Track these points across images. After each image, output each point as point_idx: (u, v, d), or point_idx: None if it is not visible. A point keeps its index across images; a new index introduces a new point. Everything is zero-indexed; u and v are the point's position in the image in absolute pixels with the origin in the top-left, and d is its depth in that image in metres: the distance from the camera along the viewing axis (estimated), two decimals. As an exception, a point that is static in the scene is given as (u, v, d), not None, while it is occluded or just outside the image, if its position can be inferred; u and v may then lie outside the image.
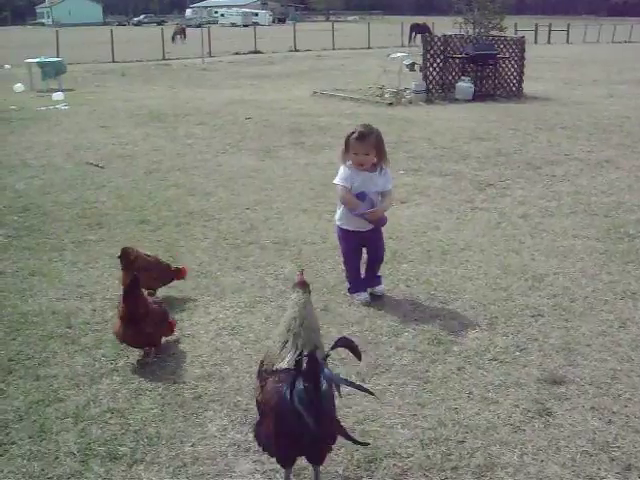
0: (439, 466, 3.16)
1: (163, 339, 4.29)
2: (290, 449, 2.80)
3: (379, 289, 5.09)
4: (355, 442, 2.86)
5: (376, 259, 5.11)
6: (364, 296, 4.99)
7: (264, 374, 2.87)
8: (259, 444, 2.92)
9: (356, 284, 5.07)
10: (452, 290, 5.17)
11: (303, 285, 3.05)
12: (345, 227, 4.96)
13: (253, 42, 37.15)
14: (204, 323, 4.66)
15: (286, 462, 2.93)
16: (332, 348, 2.78)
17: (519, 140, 11.09)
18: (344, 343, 2.79)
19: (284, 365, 2.78)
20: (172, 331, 4.37)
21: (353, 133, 4.67)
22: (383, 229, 5.10)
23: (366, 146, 4.66)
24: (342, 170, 4.82)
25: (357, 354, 2.83)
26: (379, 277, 5.16)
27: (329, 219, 6.92)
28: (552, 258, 5.85)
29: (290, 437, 2.69)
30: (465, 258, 5.85)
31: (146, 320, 4.05)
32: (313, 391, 2.58)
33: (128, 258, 4.75)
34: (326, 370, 2.65)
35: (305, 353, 2.69)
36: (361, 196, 4.77)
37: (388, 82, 16.69)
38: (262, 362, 2.97)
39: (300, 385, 2.60)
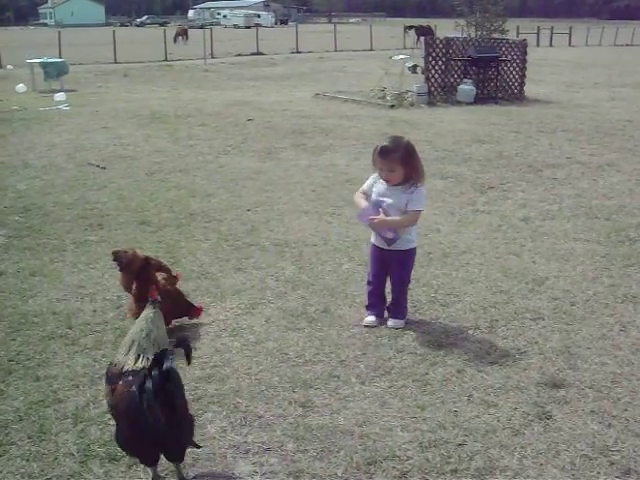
0: (438, 469, 3.16)
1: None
2: (148, 448, 2.91)
3: (391, 322, 4.64)
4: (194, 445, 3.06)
5: (393, 285, 4.72)
6: (367, 319, 4.66)
7: (113, 378, 2.95)
8: (122, 448, 3.02)
9: (368, 302, 4.77)
10: (453, 293, 5.17)
11: (154, 302, 3.15)
12: (372, 240, 4.69)
13: (255, 44, 37.16)
14: (204, 324, 4.66)
15: (149, 461, 3.02)
16: (175, 346, 2.92)
17: (521, 143, 11.09)
18: (181, 344, 2.94)
19: (130, 367, 2.89)
20: (199, 314, 4.63)
21: (377, 147, 4.39)
22: (412, 260, 4.67)
23: (389, 162, 4.31)
24: (369, 178, 4.61)
25: (188, 359, 2.95)
26: (396, 310, 4.69)
27: (330, 221, 6.93)
28: (553, 261, 5.84)
29: (145, 435, 2.80)
30: (466, 261, 5.85)
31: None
32: (160, 390, 2.73)
33: (121, 261, 4.61)
34: (170, 365, 2.77)
35: (154, 354, 2.84)
36: (375, 204, 4.47)
37: (390, 84, 16.69)
38: (109, 368, 3.04)
39: (149, 385, 2.72)
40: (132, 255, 4.56)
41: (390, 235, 4.46)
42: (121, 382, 2.88)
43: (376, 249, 4.64)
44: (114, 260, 4.60)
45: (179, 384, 2.85)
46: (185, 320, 4.69)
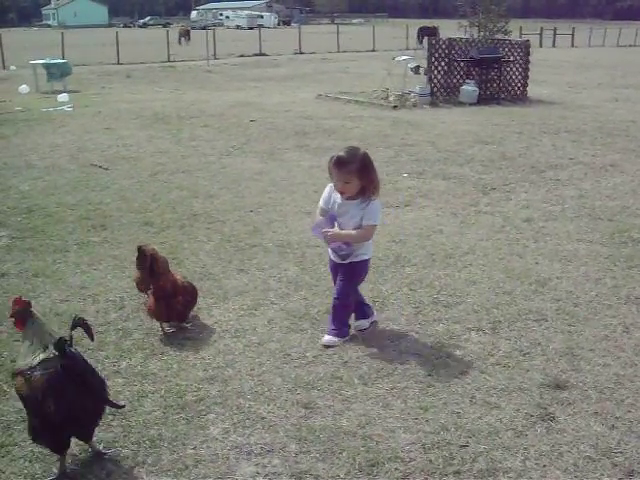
0: (441, 470, 3.16)
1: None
2: (62, 432, 3.06)
3: (322, 340, 4.38)
4: (113, 405, 3.26)
5: (334, 293, 4.50)
6: (325, 339, 4.39)
7: (24, 372, 3.08)
8: (35, 440, 3.13)
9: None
10: (455, 294, 5.17)
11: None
12: (329, 254, 4.54)
13: (258, 44, 37.20)
14: (207, 325, 4.67)
15: (61, 448, 3.12)
16: (71, 329, 3.08)
17: (523, 144, 11.08)
18: (79, 323, 3.11)
19: (36, 361, 3.06)
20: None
21: (333, 157, 4.20)
22: (361, 272, 4.49)
23: (345, 174, 4.13)
24: (326, 190, 4.42)
25: (90, 335, 3.16)
26: (330, 321, 4.48)
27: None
28: (556, 262, 5.84)
29: (57, 419, 2.97)
30: (469, 262, 5.84)
31: (177, 297, 4.46)
32: (70, 373, 2.99)
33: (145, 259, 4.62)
34: (74, 353, 3.04)
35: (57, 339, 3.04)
36: (330, 217, 4.31)
37: (393, 85, 16.69)
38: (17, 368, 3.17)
39: (57, 369, 2.98)
40: (152, 251, 4.58)
41: (344, 250, 4.29)
42: (34, 373, 3.04)
43: (333, 263, 4.51)
44: (139, 257, 4.58)
45: (85, 363, 3.12)
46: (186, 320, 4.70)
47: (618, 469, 3.17)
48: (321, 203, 4.41)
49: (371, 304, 4.76)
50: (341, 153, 4.18)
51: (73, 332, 3.09)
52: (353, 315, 4.58)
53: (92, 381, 3.12)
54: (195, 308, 4.83)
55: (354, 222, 4.23)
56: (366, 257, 4.43)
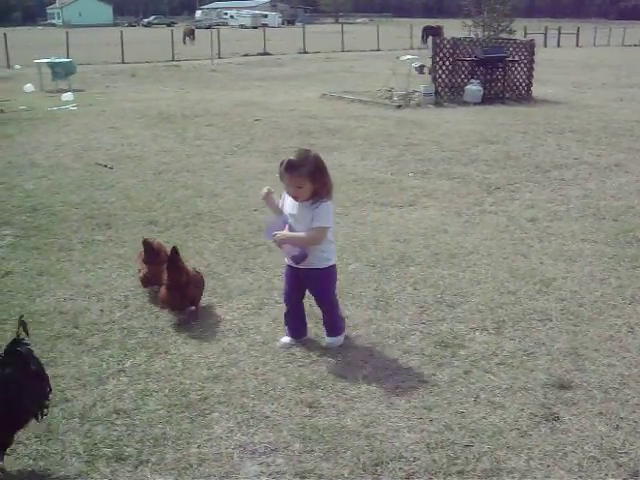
0: (445, 470, 3.15)
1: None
2: (13, 428, 3.13)
3: (326, 340, 4.41)
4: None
5: (318, 306, 4.46)
6: (282, 339, 4.41)
7: None
8: None
9: (284, 322, 4.51)
10: (460, 293, 5.16)
11: None
12: (285, 259, 4.37)
13: (262, 44, 37.21)
14: (211, 324, 4.67)
15: (6, 446, 3.16)
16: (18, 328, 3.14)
17: (528, 143, 11.07)
18: (20, 322, 3.18)
19: None
20: None
21: (284, 161, 4.02)
22: (331, 278, 4.34)
23: (297, 178, 3.96)
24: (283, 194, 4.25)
25: (25, 330, 3.16)
26: (329, 328, 4.42)
27: (337, 221, 6.88)
28: (560, 262, 5.83)
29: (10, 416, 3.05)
30: (473, 261, 5.83)
31: (189, 286, 4.66)
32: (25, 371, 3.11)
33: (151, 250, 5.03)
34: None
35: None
36: (282, 220, 4.17)
37: (397, 85, 16.68)
38: None
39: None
40: (158, 245, 4.99)
41: (295, 252, 4.11)
42: None
43: (289, 268, 4.33)
44: (145, 250, 5.00)
45: (37, 360, 3.23)
46: (190, 319, 4.70)
47: (623, 469, 3.16)
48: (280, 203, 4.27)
49: (307, 324, 4.52)
50: (292, 157, 4.00)
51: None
52: (286, 328, 4.45)
53: (45, 376, 3.27)
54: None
55: (305, 224, 4.06)
56: (331, 262, 4.26)
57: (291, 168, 3.96)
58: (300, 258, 4.12)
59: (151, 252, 5.01)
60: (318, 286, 4.33)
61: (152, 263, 4.96)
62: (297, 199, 4.07)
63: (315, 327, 4.59)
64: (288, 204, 4.15)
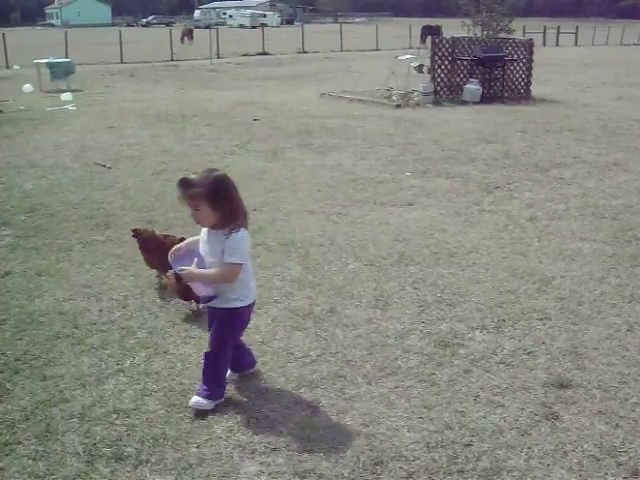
0: (445, 469, 3.15)
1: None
2: None
3: (191, 400, 3.68)
4: None
5: (205, 351, 3.77)
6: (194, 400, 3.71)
7: None
8: None
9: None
10: (459, 292, 5.16)
11: None
12: None
13: (261, 43, 37.20)
14: (210, 324, 4.66)
15: None
16: None
17: (527, 142, 11.07)
18: None
19: None
20: None
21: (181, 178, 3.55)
22: (232, 323, 3.70)
23: (192, 199, 3.46)
24: None
25: None
26: (203, 381, 3.73)
27: (336, 221, 6.93)
28: (559, 261, 5.83)
29: None
30: (472, 260, 5.83)
31: None
32: None
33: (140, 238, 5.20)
34: None
35: None
36: (193, 252, 3.68)
37: (396, 84, 16.68)
38: None
39: None
40: (150, 234, 5.13)
41: (203, 291, 3.60)
42: None
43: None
44: (134, 236, 5.23)
45: None
46: (190, 319, 4.70)
47: (622, 468, 3.16)
48: (190, 239, 3.82)
49: (252, 353, 4.09)
50: (191, 174, 3.54)
51: None
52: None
53: None
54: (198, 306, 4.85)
55: (216, 258, 3.52)
56: (241, 304, 3.62)
57: (184, 186, 3.47)
58: (208, 299, 3.61)
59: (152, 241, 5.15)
60: (216, 326, 3.69)
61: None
62: (200, 224, 3.61)
63: (315, 327, 4.59)
64: (203, 231, 3.66)
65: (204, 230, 3.62)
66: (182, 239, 4.33)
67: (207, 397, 3.65)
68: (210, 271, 3.53)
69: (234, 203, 3.52)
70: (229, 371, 3.87)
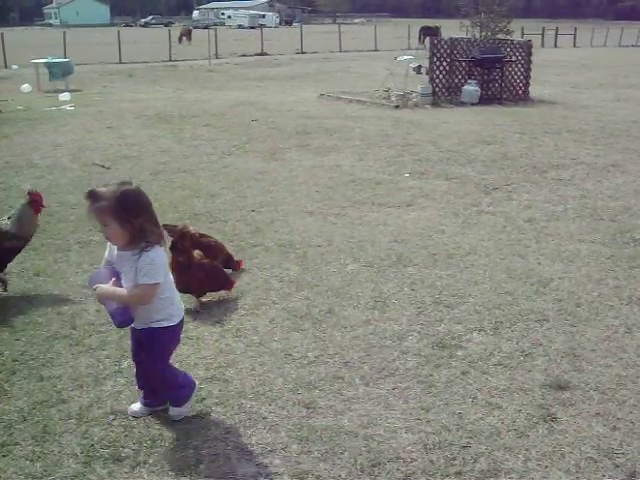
0: (443, 471, 3.15)
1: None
2: None
3: (169, 413, 3.60)
4: None
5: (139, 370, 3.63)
6: (131, 407, 3.65)
7: None
8: None
9: (138, 386, 3.72)
10: (457, 294, 5.16)
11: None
12: None
13: (260, 44, 37.20)
14: (208, 325, 4.66)
15: None
16: None
17: (525, 144, 11.07)
18: None
19: None
20: (229, 288, 5.09)
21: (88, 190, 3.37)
22: (161, 342, 3.46)
23: (98, 213, 3.27)
24: None
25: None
26: (161, 397, 3.62)
27: (334, 221, 6.93)
28: (558, 262, 5.83)
29: None
30: (470, 262, 5.83)
31: (191, 271, 4.78)
32: None
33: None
34: None
35: None
36: (112, 270, 3.38)
37: (394, 85, 16.68)
38: None
39: None
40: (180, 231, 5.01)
41: (116, 313, 3.30)
42: None
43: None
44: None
45: None
46: (187, 319, 4.70)
47: (620, 470, 3.16)
48: (106, 252, 3.51)
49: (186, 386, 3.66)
50: (100, 187, 3.35)
51: None
52: (142, 394, 3.67)
53: None
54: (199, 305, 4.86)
55: (130, 278, 3.28)
56: (167, 323, 3.42)
57: (90, 198, 3.30)
58: (125, 322, 3.35)
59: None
60: (143, 349, 3.49)
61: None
62: (109, 240, 3.37)
63: (313, 328, 4.59)
64: (112, 249, 3.43)
65: (116, 252, 3.36)
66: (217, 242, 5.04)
67: (180, 404, 3.58)
68: (124, 291, 3.27)
69: (145, 220, 3.27)
70: (138, 404, 3.61)
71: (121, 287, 3.29)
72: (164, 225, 5.05)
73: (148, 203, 3.35)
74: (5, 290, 5.13)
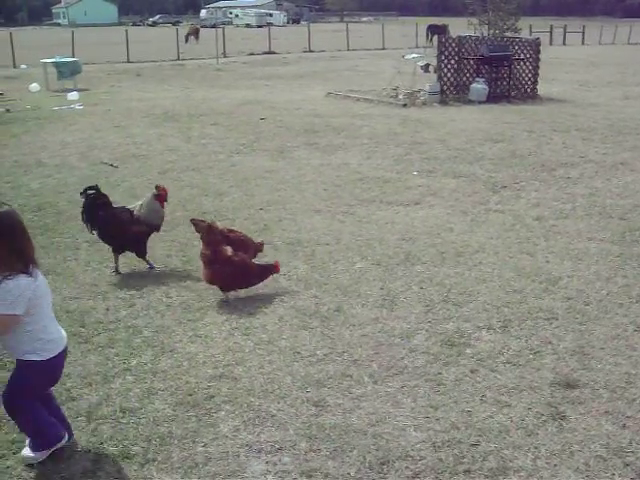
0: (451, 469, 3.15)
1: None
2: None
3: (22, 452, 3.30)
4: None
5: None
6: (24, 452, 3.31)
7: None
8: None
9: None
10: (466, 292, 5.15)
11: None
12: None
13: (267, 43, 37.18)
14: (217, 323, 4.67)
15: None
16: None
17: (534, 142, 11.04)
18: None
19: None
20: (275, 272, 5.19)
21: None
22: (27, 376, 3.17)
23: None
24: None
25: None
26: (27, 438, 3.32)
27: (342, 220, 6.93)
28: (566, 261, 5.81)
29: None
30: (479, 260, 5.82)
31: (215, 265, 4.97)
32: None
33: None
34: None
35: None
36: None
37: (402, 83, 16.66)
38: None
39: None
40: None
41: None
42: None
43: None
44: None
45: None
46: (196, 318, 4.71)
47: (630, 469, 3.15)
48: None
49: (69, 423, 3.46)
50: None
51: None
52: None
53: None
54: (205, 305, 4.86)
55: None
56: (34, 357, 3.13)
57: None
58: None
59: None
60: (11, 377, 3.26)
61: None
62: None
63: (321, 326, 4.59)
64: None
65: None
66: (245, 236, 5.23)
67: (33, 449, 3.26)
68: None
69: (10, 247, 3.05)
70: (66, 435, 3.32)
71: None
72: (192, 220, 5.36)
73: (18, 229, 3.15)
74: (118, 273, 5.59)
